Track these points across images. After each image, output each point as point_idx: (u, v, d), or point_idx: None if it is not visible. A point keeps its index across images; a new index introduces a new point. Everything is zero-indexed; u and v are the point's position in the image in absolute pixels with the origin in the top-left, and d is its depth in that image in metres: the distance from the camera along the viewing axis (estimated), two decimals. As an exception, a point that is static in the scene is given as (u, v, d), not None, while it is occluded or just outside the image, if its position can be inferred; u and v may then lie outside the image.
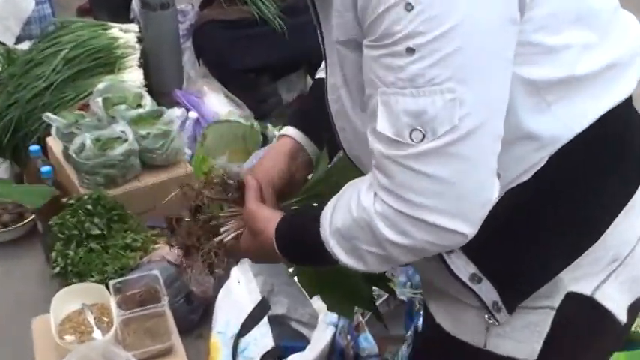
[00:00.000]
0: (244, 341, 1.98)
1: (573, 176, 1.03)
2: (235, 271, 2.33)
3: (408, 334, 1.77)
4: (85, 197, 2.54)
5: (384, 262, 1.01)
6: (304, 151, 1.30)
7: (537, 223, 1.05)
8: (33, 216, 2.86)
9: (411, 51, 0.86)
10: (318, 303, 2.06)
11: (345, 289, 1.31)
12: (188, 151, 3.01)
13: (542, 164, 1.00)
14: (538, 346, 1.09)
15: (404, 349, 1.75)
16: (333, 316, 1.94)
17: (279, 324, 2.15)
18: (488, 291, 1.06)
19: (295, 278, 2.09)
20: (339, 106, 1.10)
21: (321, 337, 1.91)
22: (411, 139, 0.88)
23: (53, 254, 2.47)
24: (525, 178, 1.00)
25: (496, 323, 1.08)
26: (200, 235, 1.22)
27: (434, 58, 0.85)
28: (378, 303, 1.89)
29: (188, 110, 3.19)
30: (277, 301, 2.22)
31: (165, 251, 2.48)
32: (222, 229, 1.22)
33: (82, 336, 2.11)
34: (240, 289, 2.11)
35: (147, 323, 2.12)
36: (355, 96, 1.04)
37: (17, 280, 2.78)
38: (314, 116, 1.26)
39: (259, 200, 1.19)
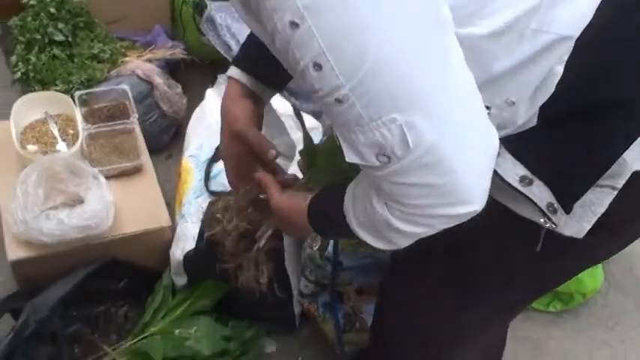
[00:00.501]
0: (217, 167, 1.91)
1: (601, 59, 0.94)
2: (210, 94, 2.21)
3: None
4: (49, -1, 2.33)
5: (413, 239, 1.00)
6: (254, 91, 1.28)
7: (582, 114, 0.97)
8: (-10, 15, 2.64)
9: (339, 101, 0.83)
10: (297, 134, 1.97)
11: None
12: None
13: (558, 74, 0.93)
14: (588, 226, 1.03)
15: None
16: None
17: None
18: (541, 192, 1.00)
19: (274, 108, 2.00)
20: None
21: (299, 172, 1.83)
22: (379, 162, 0.87)
23: (13, 58, 2.31)
24: (548, 95, 0.94)
25: (553, 226, 1.03)
26: (240, 253, 1.34)
27: (363, 100, 0.82)
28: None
29: None
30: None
31: (136, 65, 2.33)
32: (256, 235, 1.32)
33: (45, 147, 2.00)
34: (215, 113, 2.00)
35: (115, 140, 2.02)
36: None
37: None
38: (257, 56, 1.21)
39: (279, 188, 1.23)
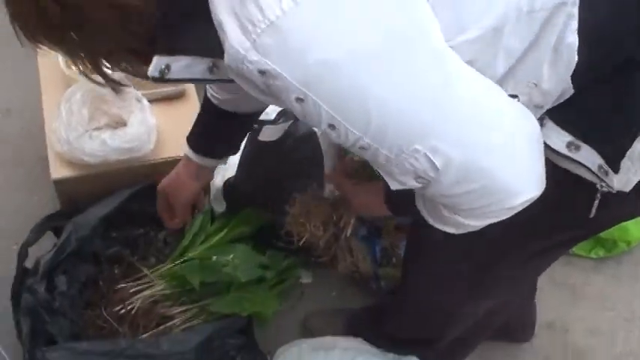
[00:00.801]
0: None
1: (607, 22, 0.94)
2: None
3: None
4: None
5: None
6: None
7: (612, 75, 0.98)
8: None
9: (364, 148, 0.88)
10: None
11: None
12: None
13: (574, 44, 0.92)
14: (635, 179, 1.03)
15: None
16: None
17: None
18: (589, 156, 1.01)
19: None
20: None
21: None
22: (420, 184, 0.92)
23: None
24: (573, 61, 0.93)
25: (612, 190, 1.03)
26: (331, 245, 1.47)
27: (385, 144, 0.86)
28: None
29: None
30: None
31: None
32: (341, 225, 1.44)
33: (90, 67, 1.99)
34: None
35: (159, 63, 2.00)
36: None
37: None
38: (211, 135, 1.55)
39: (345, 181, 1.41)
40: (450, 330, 1.56)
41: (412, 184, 0.92)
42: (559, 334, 2.03)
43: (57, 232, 1.81)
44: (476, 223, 1.00)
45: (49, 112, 1.89)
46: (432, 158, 0.87)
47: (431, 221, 1.08)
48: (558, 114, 0.99)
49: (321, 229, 1.45)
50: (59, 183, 1.82)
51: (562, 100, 0.99)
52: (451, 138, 0.86)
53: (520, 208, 0.94)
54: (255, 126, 1.77)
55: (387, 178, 0.94)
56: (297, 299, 2.01)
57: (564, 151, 1.01)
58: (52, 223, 1.81)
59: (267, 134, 1.73)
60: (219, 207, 1.91)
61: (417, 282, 1.51)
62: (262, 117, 1.79)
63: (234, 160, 1.82)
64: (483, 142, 0.88)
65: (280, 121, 1.75)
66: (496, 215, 0.96)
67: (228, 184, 1.83)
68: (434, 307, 1.50)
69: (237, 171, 1.81)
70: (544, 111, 0.99)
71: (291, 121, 1.72)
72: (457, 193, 0.92)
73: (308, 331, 1.92)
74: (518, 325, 1.92)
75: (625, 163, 1.01)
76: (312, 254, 1.52)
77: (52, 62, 1.96)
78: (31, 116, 2.25)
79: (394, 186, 0.94)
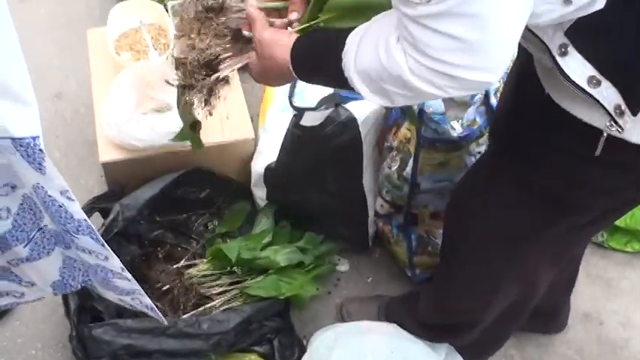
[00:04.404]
0: (302, 83, 1.92)
1: None
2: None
3: (476, 97, 1.68)
4: None
5: (412, 101, 1.01)
6: None
7: None
8: None
9: None
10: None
11: None
12: None
13: None
14: None
15: (470, 111, 1.67)
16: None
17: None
18: (609, 94, 0.99)
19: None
20: None
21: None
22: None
23: (111, -34, 2.36)
24: None
25: (619, 130, 1.02)
26: (200, 75, 1.24)
27: None
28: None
29: None
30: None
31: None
32: (220, 67, 1.23)
33: (138, 54, 2.06)
34: (303, 30, 2.01)
35: (204, 51, 2.05)
36: None
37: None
38: None
39: (266, 24, 1.18)
40: (484, 315, 1.59)
41: None
42: (593, 327, 2.03)
43: (104, 214, 1.87)
44: (414, 83, 0.93)
45: (98, 97, 1.96)
46: None
47: (350, 71, 1.00)
48: (584, 43, 0.96)
49: (207, 45, 1.22)
50: (107, 166, 1.88)
51: (591, 11, 0.94)
52: None
53: (468, 90, 0.94)
54: (297, 112, 1.81)
55: None
56: (333, 285, 2.05)
57: (584, 84, 1.00)
58: (100, 205, 1.88)
59: (309, 120, 1.77)
60: (260, 192, 1.95)
61: (453, 269, 1.54)
62: (303, 104, 1.84)
63: (275, 146, 1.86)
64: None
65: (322, 107, 1.78)
66: (443, 85, 0.92)
67: (269, 170, 1.88)
68: (469, 292, 1.53)
69: (278, 156, 1.85)
70: (571, 10, 0.94)
71: (333, 108, 1.76)
72: (443, 30, 0.87)
73: (343, 316, 1.96)
74: (552, 316, 1.93)
75: None
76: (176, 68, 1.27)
77: (102, 49, 2.03)
78: (80, 101, 2.32)
79: None
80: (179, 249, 1.97)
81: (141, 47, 2.07)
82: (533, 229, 1.31)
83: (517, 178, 1.25)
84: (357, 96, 1.93)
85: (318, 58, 1.10)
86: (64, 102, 2.39)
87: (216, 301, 1.83)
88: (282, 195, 1.93)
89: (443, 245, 1.62)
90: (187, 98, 1.26)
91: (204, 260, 1.88)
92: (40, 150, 0.97)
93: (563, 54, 0.98)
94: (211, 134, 1.91)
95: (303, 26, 1.20)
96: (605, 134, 1.04)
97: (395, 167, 1.79)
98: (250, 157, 1.96)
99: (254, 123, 2.06)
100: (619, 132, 1.02)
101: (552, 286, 1.61)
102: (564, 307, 1.93)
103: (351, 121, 1.73)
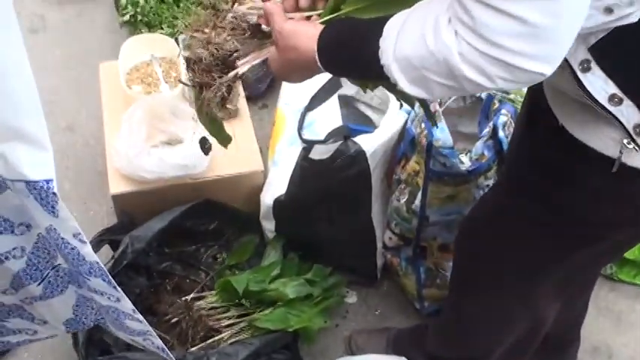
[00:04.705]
0: (311, 116, 1.94)
1: None
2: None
3: (484, 131, 1.70)
4: (159, -56, 2.40)
5: (452, 93, 0.96)
6: None
7: None
8: (103, -41, 2.75)
9: None
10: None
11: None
12: None
13: None
14: None
15: (478, 145, 1.68)
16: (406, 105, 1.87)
17: (347, 105, 2.09)
18: (630, 113, 0.99)
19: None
20: None
21: (391, 123, 1.85)
22: None
23: (122, 1, 2.40)
24: None
25: (636, 149, 1.01)
26: (216, 72, 1.16)
27: None
28: (452, 99, 1.82)
29: None
30: (348, 81, 2.15)
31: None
32: (238, 63, 1.15)
33: (149, 88, 2.08)
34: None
35: (214, 84, 2.08)
36: None
37: (86, 24, 2.73)
38: None
39: (284, 18, 1.10)
40: (493, 348, 1.58)
41: None
42: (603, 360, 2.03)
43: (113, 246, 1.88)
44: (462, 71, 0.87)
45: (109, 130, 1.98)
46: None
47: (389, 59, 0.94)
48: (607, 60, 0.94)
49: (223, 39, 1.15)
50: (117, 198, 1.90)
51: (626, 23, 0.92)
52: None
53: (519, 83, 0.88)
54: (306, 146, 1.82)
55: None
56: (341, 317, 2.04)
57: (604, 102, 0.98)
58: (110, 237, 1.89)
59: (318, 153, 1.78)
60: (269, 224, 1.96)
61: (463, 303, 1.54)
62: (312, 137, 1.85)
63: (284, 179, 1.87)
64: None
65: (331, 140, 1.80)
66: (493, 74, 0.86)
67: (278, 203, 1.89)
68: (479, 325, 1.53)
69: (287, 189, 1.86)
70: (610, 19, 0.92)
71: (342, 141, 1.77)
72: (511, 12, 0.81)
73: (352, 348, 1.95)
74: (561, 350, 1.92)
75: None
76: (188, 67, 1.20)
77: (114, 82, 2.06)
78: (91, 133, 2.35)
79: None
80: (188, 281, 1.97)
81: (152, 80, 2.10)
82: (544, 262, 1.31)
83: (528, 212, 1.25)
84: (366, 129, 1.98)
85: (350, 46, 1.02)
86: (75, 134, 2.41)
87: (225, 333, 1.83)
88: (290, 227, 1.94)
89: (452, 278, 1.62)
90: (205, 96, 1.18)
91: (213, 292, 1.88)
92: (54, 193, 0.98)
93: (585, 70, 0.97)
94: (221, 166, 1.93)
95: (325, 18, 1.13)
96: (618, 162, 1.04)
97: (403, 200, 1.80)
98: (259, 189, 1.97)
99: (263, 155, 2.08)
100: (636, 150, 1.01)
101: (562, 320, 1.61)
102: (574, 341, 1.92)
103: (360, 154, 1.74)
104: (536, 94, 1.19)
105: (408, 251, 1.91)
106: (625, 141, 1.02)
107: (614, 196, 1.12)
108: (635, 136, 1.00)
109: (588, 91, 0.98)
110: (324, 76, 1.94)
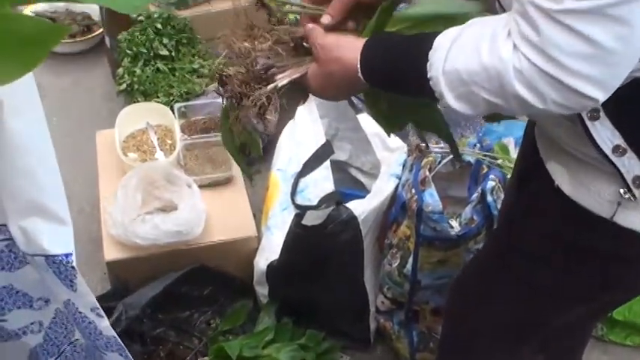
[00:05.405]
0: (304, 182, 1.97)
1: None
2: (301, 111, 2.29)
3: (473, 196, 1.73)
4: (156, 15, 2.47)
5: (498, 110, 0.94)
6: None
7: None
8: (101, 29, 2.82)
9: None
10: (382, 154, 2.02)
11: (420, 118, 1.24)
12: (262, -19, 2.88)
13: None
14: None
15: (467, 210, 1.72)
16: (397, 169, 1.91)
17: (339, 170, 2.12)
18: (631, 165, 0.99)
19: (362, 127, 2.05)
20: None
21: (382, 188, 1.88)
22: None
23: (120, 70, 2.45)
24: None
25: (632, 199, 1.01)
26: (253, 83, 1.14)
27: None
28: (442, 163, 1.86)
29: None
30: (340, 147, 2.20)
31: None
32: (278, 77, 1.13)
33: (145, 155, 2.12)
34: (305, 130, 2.08)
35: (209, 151, 2.12)
36: None
37: (83, 92, 2.79)
38: None
39: (324, 32, 1.09)
40: None
41: None
42: (597, 423, 2.01)
43: (107, 313, 1.88)
44: (515, 88, 0.85)
45: (105, 197, 2.01)
46: None
47: (439, 71, 0.92)
48: (618, 112, 0.92)
49: (268, 47, 1.13)
50: (112, 264, 1.91)
51: (631, 79, 0.91)
52: None
53: (571, 107, 0.86)
54: (299, 211, 1.85)
55: None
56: (336, 382, 2.04)
57: (608, 152, 0.99)
58: (104, 304, 1.88)
59: (311, 218, 1.81)
60: (263, 289, 1.97)
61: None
62: (305, 202, 1.88)
63: (277, 244, 1.89)
64: None
65: (323, 206, 1.82)
66: (547, 94, 0.85)
67: (271, 268, 1.90)
68: None
69: (280, 254, 1.88)
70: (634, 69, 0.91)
71: (334, 206, 1.80)
72: (581, 30, 0.80)
73: (347, 414, 1.94)
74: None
75: None
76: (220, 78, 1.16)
77: (109, 150, 2.09)
78: (87, 200, 2.37)
79: None
80: (181, 347, 1.96)
81: (147, 148, 2.14)
82: (533, 322, 1.32)
83: (518, 273, 1.26)
84: (358, 193, 2.01)
85: (396, 57, 1.00)
86: (70, 201, 2.38)
87: (219, 399, 1.82)
88: (284, 292, 1.95)
89: (441, 340, 1.63)
90: (244, 105, 1.14)
91: (206, 359, 1.88)
92: (73, 267, 1.00)
93: (594, 118, 0.97)
94: (215, 232, 1.95)
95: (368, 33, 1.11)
96: (611, 221, 1.04)
97: (395, 264, 1.82)
98: (253, 255, 1.98)
99: (257, 220, 2.10)
100: (632, 199, 1.02)
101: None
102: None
103: (352, 219, 1.77)
104: (528, 152, 1.20)
105: (401, 315, 1.92)
106: (622, 191, 1.02)
107: (607, 258, 1.13)
108: (633, 188, 1.01)
109: (594, 140, 0.98)
110: (317, 142, 2.01)
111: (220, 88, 1.17)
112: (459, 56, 0.91)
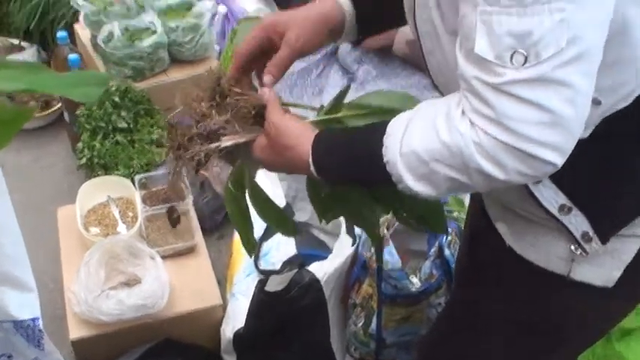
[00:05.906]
0: (266, 245, 1.99)
1: None
2: (260, 174, 2.32)
3: (431, 251, 1.76)
4: (113, 88, 2.50)
5: (458, 190, 0.95)
6: (340, 18, 1.16)
7: (635, 151, 1.00)
8: (60, 104, 2.84)
9: None
10: (342, 213, 2.04)
11: (352, 212, 1.25)
12: (217, 47, 2.94)
13: None
14: (617, 274, 1.06)
15: (427, 265, 1.74)
16: (357, 228, 1.93)
17: (301, 231, 2.14)
18: (578, 222, 1.02)
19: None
20: (429, 27, 1.00)
21: (343, 248, 1.91)
22: (512, 63, 0.82)
23: (79, 145, 2.47)
24: (624, 105, 0.96)
25: (584, 254, 1.04)
26: (197, 138, 1.13)
27: None
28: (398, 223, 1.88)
29: (218, 4, 3.09)
30: (301, 208, 2.21)
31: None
32: (223, 138, 1.13)
33: (107, 229, 2.12)
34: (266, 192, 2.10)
35: (171, 221, 2.13)
36: (448, 18, 0.95)
37: (43, 168, 2.79)
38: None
39: (281, 111, 1.10)
40: None
41: (503, 57, 0.82)
42: None
43: (74, 392, 1.87)
44: (478, 162, 0.87)
45: (68, 274, 2.00)
46: (565, 28, 0.80)
47: (396, 154, 0.93)
48: (560, 172, 0.93)
49: (211, 112, 1.12)
50: (76, 343, 1.89)
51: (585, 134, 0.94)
52: (592, 18, 0.81)
53: (532, 175, 0.87)
54: (263, 277, 1.86)
55: (481, 36, 0.83)
56: None
57: (554, 211, 1.01)
58: (71, 383, 1.88)
59: (274, 284, 1.82)
60: (230, 358, 1.97)
61: None
62: (268, 267, 1.89)
63: (243, 310, 1.90)
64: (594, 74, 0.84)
65: (286, 270, 1.84)
66: (508, 165, 0.86)
67: (238, 336, 1.90)
68: None
69: (245, 321, 1.88)
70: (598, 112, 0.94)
71: (296, 270, 1.81)
72: (530, 99, 0.82)
73: None
74: None
75: (605, 257, 1.04)
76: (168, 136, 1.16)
77: (71, 225, 2.09)
78: (50, 277, 2.34)
79: (481, 48, 0.83)
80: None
81: (109, 222, 2.14)
82: None
83: (482, 327, 1.28)
84: (321, 253, 2.03)
85: (349, 146, 1.01)
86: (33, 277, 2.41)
87: None
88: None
89: None
90: (180, 155, 1.14)
91: None
92: (40, 330, 1.02)
93: (536, 182, 1.00)
94: (180, 303, 1.95)
95: (320, 118, 1.14)
96: (567, 275, 1.08)
97: (360, 324, 1.83)
98: (219, 323, 1.98)
99: (222, 287, 2.10)
100: (583, 254, 1.04)
101: None
102: None
103: (315, 282, 1.79)
104: (477, 212, 1.23)
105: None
106: (572, 247, 1.04)
107: (566, 308, 1.15)
108: (583, 243, 1.03)
109: (540, 201, 1.01)
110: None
111: (166, 136, 1.18)
112: (415, 138, 0.92)
